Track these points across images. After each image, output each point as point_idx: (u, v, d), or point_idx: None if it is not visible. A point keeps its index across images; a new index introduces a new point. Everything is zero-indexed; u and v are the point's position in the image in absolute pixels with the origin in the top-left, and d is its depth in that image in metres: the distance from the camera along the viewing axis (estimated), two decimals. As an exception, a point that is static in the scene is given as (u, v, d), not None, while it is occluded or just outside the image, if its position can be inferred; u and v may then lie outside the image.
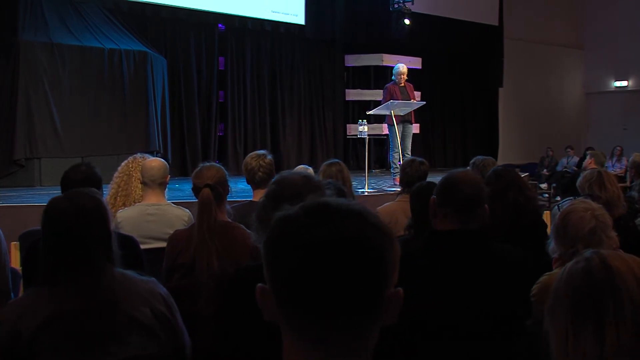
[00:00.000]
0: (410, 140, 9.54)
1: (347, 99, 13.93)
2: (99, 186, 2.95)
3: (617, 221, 3.80)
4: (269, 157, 4.15)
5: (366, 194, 8.42)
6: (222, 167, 3.14)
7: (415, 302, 2.24)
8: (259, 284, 1.05)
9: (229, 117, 12.08)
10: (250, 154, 4.24)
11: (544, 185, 15.10)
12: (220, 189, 3.00)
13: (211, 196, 2.90)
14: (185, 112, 11.40)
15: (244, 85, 12.30)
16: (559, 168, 15.44)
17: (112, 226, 2.04)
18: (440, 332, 2.20)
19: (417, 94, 10.93)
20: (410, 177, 4.50)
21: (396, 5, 12.94)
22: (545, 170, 15.85)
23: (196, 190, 2.99)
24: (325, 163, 4.40)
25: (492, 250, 2.39)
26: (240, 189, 7.16)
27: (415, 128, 12.90)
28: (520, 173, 12.35)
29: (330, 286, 0.99)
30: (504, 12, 16.15)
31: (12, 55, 8.59)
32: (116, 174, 4.46)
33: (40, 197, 7.29)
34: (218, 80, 11.97)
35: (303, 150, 13.15)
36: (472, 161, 4.92)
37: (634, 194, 4.57)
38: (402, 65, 9.62)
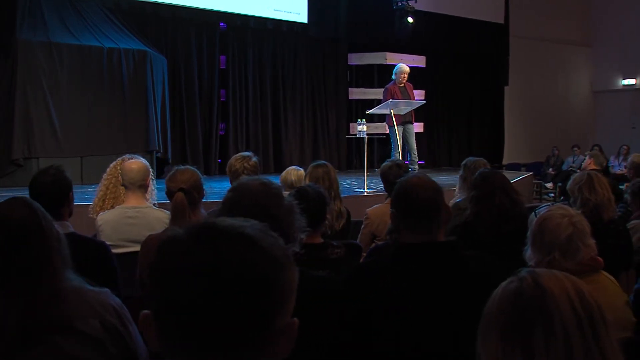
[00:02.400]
0: (414, 139, 9.49)
1: (350, 98, 13.85)
2: (68, 190, 2.90)
3: (608, 225, 3.73)
4: (255, 159, 4.09)
5: (365, 194, 8.37)
6: (197, 171, 3.08)
7: (384, 317, 2.17)
8: (144, 310, 0.99)
9: (231, 116, 12.03)
10: (235, 155, 4.18)
11: (549, 185, 14.98)
12: (194, 193, 2.94)
13: (185, 200, 2.85)
14: (186, 111, 11.36)
15: (245, 84, 12.25)
16: (564, 167, 15.31)
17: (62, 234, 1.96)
18: (409, 347, 2.11)
19: (418, 92, 10.85)
20: (393, 183, 4.43)
21: (399, 4, 12.85)
22: (551, 169, 15.74)
23: (170, 194, 2.94)
24: (311, 165, 4.32)
25: (464, 261, 2.27)
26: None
27: (419, 127, 12.88)
28: (525, 172, 12.25)
29: (210, 316, 0.91)
30: (510, 9, 16.03)
31: (10, 54, 8.57)
32: (104, 176, 4.42)
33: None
34: (219, 79, 11.92)
35: (305, 150, 13.07)
36: (463, 162, 4.85)
37: (627, 196, 4.47)
38: (403, 65, 9.57)
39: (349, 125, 13.57)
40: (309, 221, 3.14)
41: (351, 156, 13.80)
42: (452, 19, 14.32)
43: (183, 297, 0.92)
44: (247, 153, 4.20)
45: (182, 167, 3.09)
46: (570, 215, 2.45)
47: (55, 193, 2.83)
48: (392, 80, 9.51)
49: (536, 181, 14.17)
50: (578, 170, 12.44)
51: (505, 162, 16.66)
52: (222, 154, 11.94)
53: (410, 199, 2.27)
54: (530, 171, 14.51)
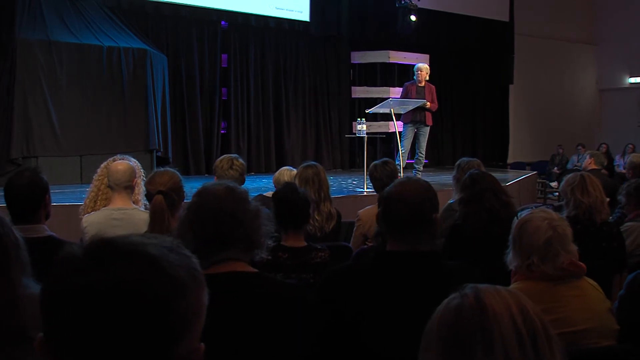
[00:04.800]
0: (425, 140, 9.40)
1: (353, 97, 13.77)
2: (44, 192, 2.84)
3: (601, 227, 3.67)
4: (240, 159, 4.05)
5: (365, 193, 8.34)
6: (177, 173, 3.03)
7: (355, 326, 2.11)
8: (40, 334, 0.93)
9: (232, 115, 11.98)
10: (221, 156, 4.14)
11: (554, 184, 14.87)
12: (173, 196, 2.89)
13: (164, 203, 2.80)
14: (188, 109, 11.34)
15: (247, 82, 12.21)
16: (569, 166, 15.21)
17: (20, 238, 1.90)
18: (379, 356, 2.05)
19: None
20: (380, 181, 4.41)
21: (402, 2, 12.77)
22: (555, 168, 15.64)
23: (149, 197, 2.89)
24: (302, 165, 4.28)
25: (445, 272, 2.20)
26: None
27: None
28: (529, 171, 12.13)
29: (102, 341, 0.86)
30: (515, 7, 15.92)
31: (9, 53, 8.56)
32: (95, 177, 4.37)
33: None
34: (221, 77, 11.88)
35: (308, 148, 13.02)
36: (457, 163, 4.79)
37: (621, 198, 4.38)
38: (421, 64, 9.48)
39: (351, 124, 13.49)
40: (290, 223, 3.10)
41: (354, 155, 13.72)
42: (456, 17, 14.24)
43: (73, 319, 0.87)
44: (234, 155, 4.17)
45: (162, 169, 3.04)
46: (551, 219, 2.38)
47: (31, 196, 2.78)
48: (413, 79, 9.43)
49: (541, 180, 14.08)
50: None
51: (510, 160, 16.57)
52: (223, 153, 11.74)
53: (391, 210, 2.18)
54: (535, 170, 14.42)
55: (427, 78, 9.33)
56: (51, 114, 8.73)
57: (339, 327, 2.08)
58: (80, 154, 8.97)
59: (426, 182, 2.29)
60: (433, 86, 9.42)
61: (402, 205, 2.15)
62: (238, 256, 1.93)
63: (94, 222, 3.65)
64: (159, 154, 9.90)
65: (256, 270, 1.96)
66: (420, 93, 9.20)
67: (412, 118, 9.15)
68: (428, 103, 9.11)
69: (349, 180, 10.39)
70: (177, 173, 3.04)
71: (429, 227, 2.16)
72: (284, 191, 3.19)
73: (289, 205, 3.06)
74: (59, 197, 7.23)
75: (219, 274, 1.88)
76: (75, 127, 8.95)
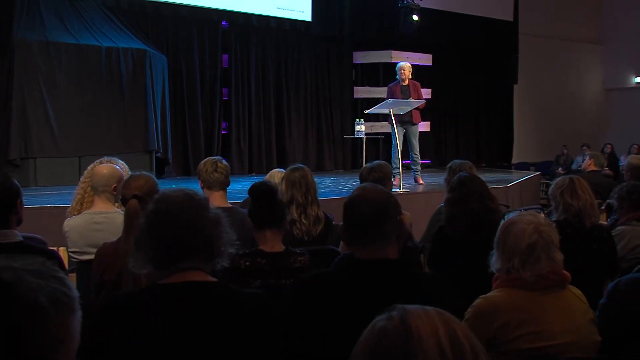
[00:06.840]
0: (417, 140, 9.27)
1: (355, 97, 13.70)
2: (16, 197, 2.79)
3: (591, 230, 3.60)
4: (224, 161, 4.00)
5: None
6: (153, 177, 2.98)
7: (324, 337, 2.06)
8: None
9: (233, 115, 11.95)
10: (205, 159, 4.10)
11: (558, 184, 14.75)
12: (149, 200, 2.83)
13: (138, 207, 2.75)
14: (188, 110, 11.30)
15: (248, 82, 12.16)
16: (574, 166, 15.10)
17: None
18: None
19: (424, 91, 10.44)
20: (371, 184, 4.34)
21: (404, 1, 12.69)
22: (560, 168, 15.53)
23: (124, 201, 2.84)
24: (289, 168, 4.21)
25: (414, 282, 2.15)
26: (238, 189, 7.03)
27: (425, 126, 12.72)
28: (533, 172, 11.95)
29: None
30: (519, 6, 15.81)
31: (7, 53, 8.55)
32: (82, 179, 4.34)
33: (36, 197, 7.20)
34: (222, 77, 11.84)
35: (309, 149, 12.97)
36: (449, 165, 4.73)
37: (613, 202, 4.30)
38: (402, 63, 9.34)
39: (353, 125, 13.42)
40: (266, 218, 3.03)
41: (355, 156, 13.63)
42: (459, 17, 14.14)
43: None
44: (217, 157, 4.12)
45: (137, 173, 2.99)
46: (538, 224, 2.31)
47: (1, 201, 2.74)
48: (396, 79, 9.30)
49: (545, 181, 13.97)
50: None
51: (514, 161, 16.47)
52: (224, 153, 11.81)
53: (354, 212, 2.16)
54: (540, 170, 14.32)
55: (410, 76, 9.18)
56: (49, 115, 8.71)
57: (306, 336, 2.03)
58: (79, 154, 8.93)
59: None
60: (417, 83, 9.27)
61: (365, 205, 2.13)
62: (198, 265, 1.88)
63: (74, 226, 3.61)
64: (159, 154, 9.88)
65: (215, 279, 1.91)
66: (405, 92, 9.06)
67: (400, 118, 9.01)
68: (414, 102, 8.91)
69: (350, 182, 10.32)
70: (153, 177, 2.99)
71: (394, 227, 2.13)
72: (257, 184, 3.16)
73: (263, 195, 3.01)
74: (55, 199, 7.20)
75: (176, 283, 1.83)
76: (74, 128, 8.93)
